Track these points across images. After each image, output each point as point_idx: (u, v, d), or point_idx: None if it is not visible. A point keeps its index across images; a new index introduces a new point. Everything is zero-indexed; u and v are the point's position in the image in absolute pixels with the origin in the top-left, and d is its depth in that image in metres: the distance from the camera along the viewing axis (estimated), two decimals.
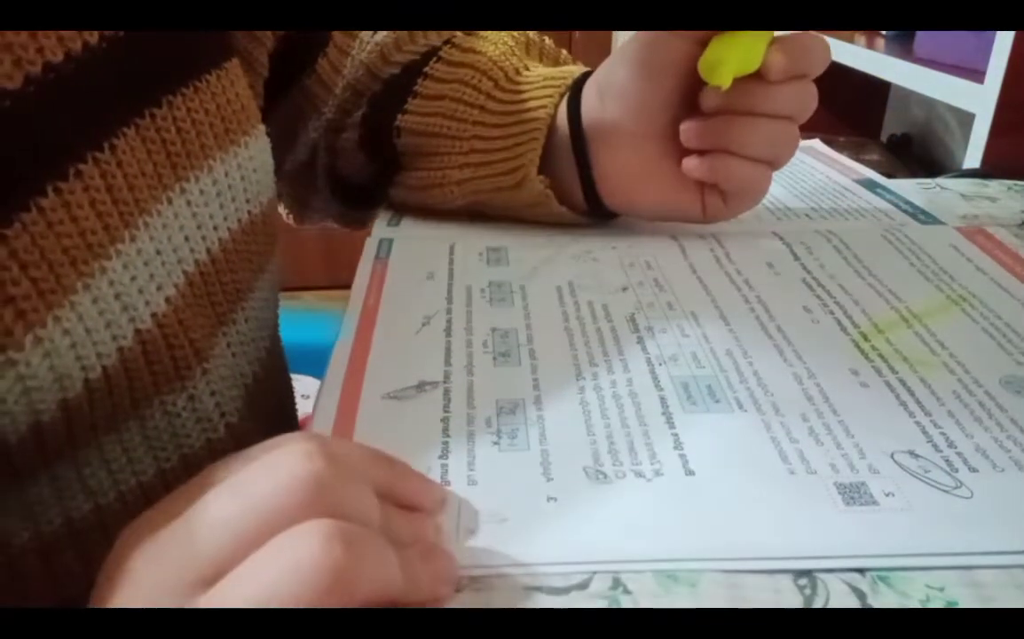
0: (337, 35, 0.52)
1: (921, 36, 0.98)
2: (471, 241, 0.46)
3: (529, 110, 0.45)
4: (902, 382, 0.33)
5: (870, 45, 1.10)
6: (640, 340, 0.35)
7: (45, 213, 0.27)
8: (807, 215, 0.52)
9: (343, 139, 0.52)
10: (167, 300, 0.32)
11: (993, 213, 0.52)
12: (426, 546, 0.24)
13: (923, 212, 0.52)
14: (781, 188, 0.56)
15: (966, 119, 0.85)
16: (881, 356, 0.35)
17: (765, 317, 0.38)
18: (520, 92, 0.46)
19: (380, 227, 0.49)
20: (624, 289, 0.40)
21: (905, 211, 0.52)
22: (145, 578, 0.22)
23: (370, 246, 0.45)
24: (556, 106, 0.45)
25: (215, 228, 0.36)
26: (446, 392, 0.32)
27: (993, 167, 0.68)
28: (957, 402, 0.32)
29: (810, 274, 0.42)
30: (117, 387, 0.30)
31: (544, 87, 0.46)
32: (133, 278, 0.31)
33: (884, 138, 1.46)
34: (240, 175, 0.38)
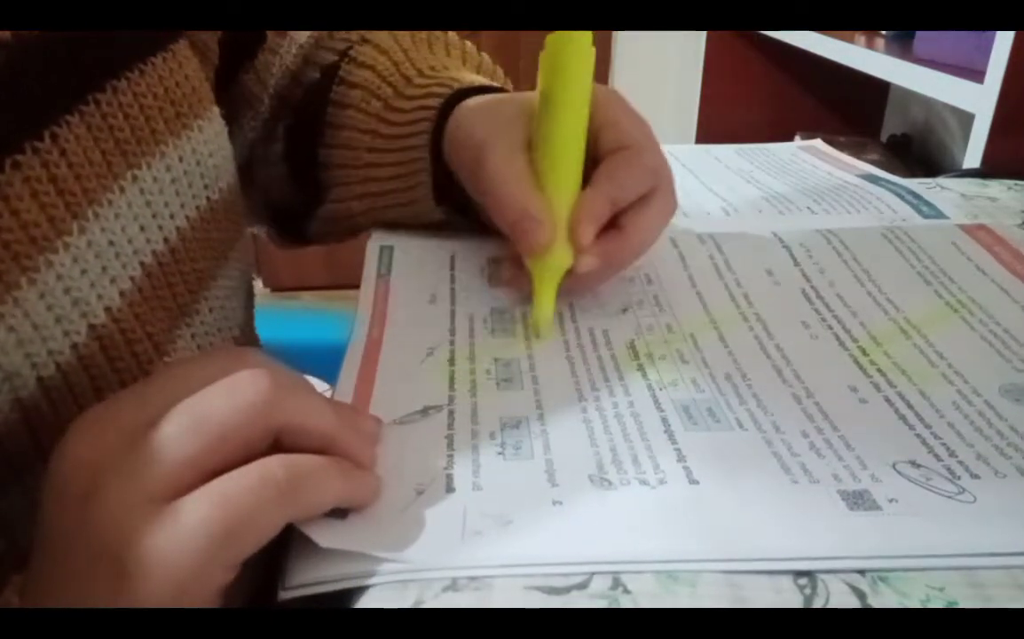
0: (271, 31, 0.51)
1: (921, 36, 0.98)
2: (472, 251, 0.45)
3: (413, 133, 0.43)
4: (901, 396, 0.33)
5: (870, 45, 1.10)
6: (640, 367, 0.35)
7: None
8: (809, 208, 0.51)
9: (271, 170, 0.52)
10: (121, 293, 0.32)
11: (993, 213, 0.52)
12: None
13: (927, 203, 0.51)
14: (783, 185, 0.56)
15: (966, 119, 0.85)
16: (880, 371, 0.35)
17: (764, 336, 0.37)
18: (406, 111, 0.44)
19: (379, 232, 0.48)
20: (624, 311, 0.39)
21: (909, 202, 0.51)
22: (110, 494, 0.23)
23: (371, 254, 0.45)
24: (432, 133, 0.43)
25: (172, 216, 0.35)
26: (450, 413, 0.32)
27: (993, 167, 0.68)
28: (957, 413, 0.32)
29: (809, 282, 0.42)
30: (78, 385, 0.30)
31: (423, 107, 0.43)
32: (84, 271, 0.30)
33: (884, 138, 1.46)
34: (196, 160, 0.37)
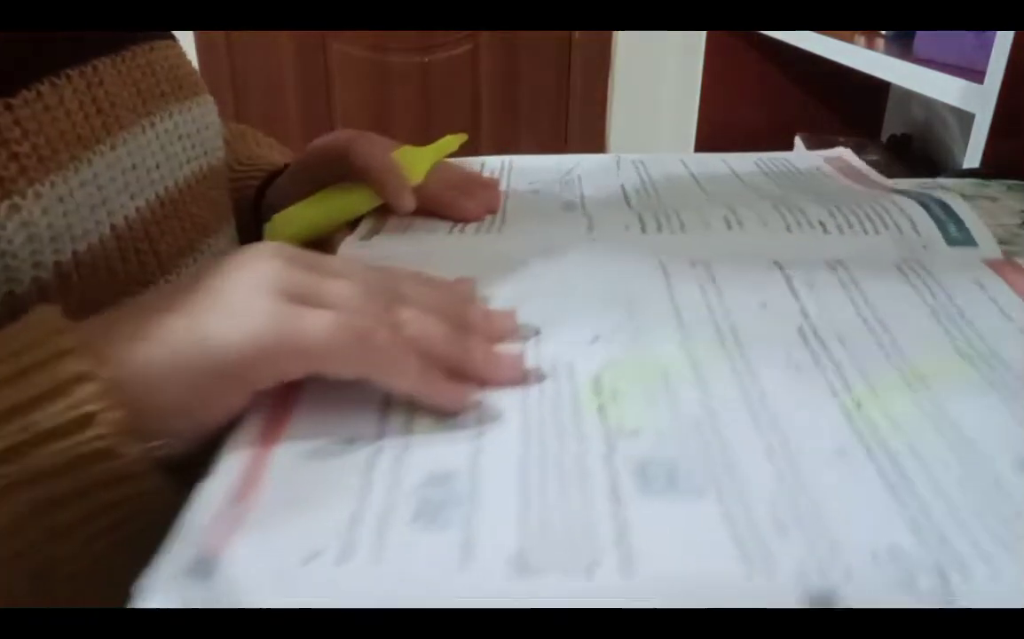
0: None
1: (921, 36, 0.98)
2: (438, 267, 0.41)
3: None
4: (894, 461, 0.28)
5: (870, 45, 1.10)
6: (601, 408, 0.31)
7: (42, 97, 0.34)
8: (821, 224, 0.47)
9: None
10: (137, 209, 0.39)
11: (993, 213, 0.52)
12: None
13: (956, 221, 0.46)
14: (795, 198, 0.52)
15: (966, 119, 0.85)
16: (874, 428, 0.30)
17: (748, 379, 0.33)
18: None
19: (351, 243, 0.47)
20: (595, 340, 0.36)
21: (936, 218, 0.46)
22: (260, 264, 0.31)
23: None
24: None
25: (180, 166, 0.43)
26: (374, 453, 0.29)
27: (993, 167, 0.68)
28: (958, 489, 0.27)
29: (807, 318, 0.37)
30: (101, 265, 0.36)
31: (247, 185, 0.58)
32: (112, 179, 0.37)
33: (884, 138, 1.46)
34: (196, 128, 0.46)
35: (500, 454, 0.29)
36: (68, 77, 0.36)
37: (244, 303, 0.29)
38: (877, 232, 0.46)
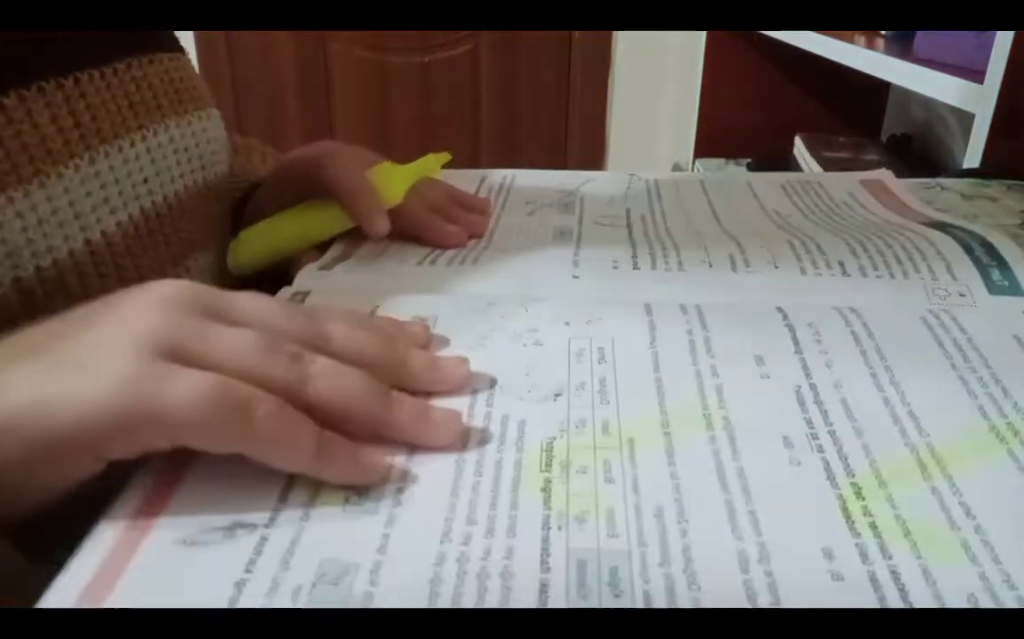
0: None
1: (921, 36, 0.98)
2: (398, 303, 0.39)
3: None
4: (894, 574, 0.23)
5: (870, 45, 1.10)
6: (547, 484, 0.27)
7: (6, 111, 0.33)
8: (840, 264, 0.42)
9: None
10: (118, 224, 0.38)
11: (993, 213, 0.53)
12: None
13: (1001, 265, 0.40)
14: (817, 231, 0.48)
15: (966, 119, 0.85)
16: (874, 526, 0.25)
17: (727, 453, 0.28)
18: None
19: (307, 272, 0.44)
20: (557, 397, 0.31)
21: (977, 260, 0.41)
22: (146, 313, 0.27)
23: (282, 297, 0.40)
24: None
25: (172, 180, 0.43)
26: (262, 541, 0.24)
27: (993, 167, 0.68)
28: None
29: (809, 377, 0.32)
30: (70, 285, 0.35)
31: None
32: (88, 194, 0.36)
33: (884, 138, 1.46)
34: (195, 142, 0.45)
35: (413, 544, 0.24)
36: (41, 89, 0.35)
37: (101, 358, 0.24)
38: (906, 276, 0.40)
